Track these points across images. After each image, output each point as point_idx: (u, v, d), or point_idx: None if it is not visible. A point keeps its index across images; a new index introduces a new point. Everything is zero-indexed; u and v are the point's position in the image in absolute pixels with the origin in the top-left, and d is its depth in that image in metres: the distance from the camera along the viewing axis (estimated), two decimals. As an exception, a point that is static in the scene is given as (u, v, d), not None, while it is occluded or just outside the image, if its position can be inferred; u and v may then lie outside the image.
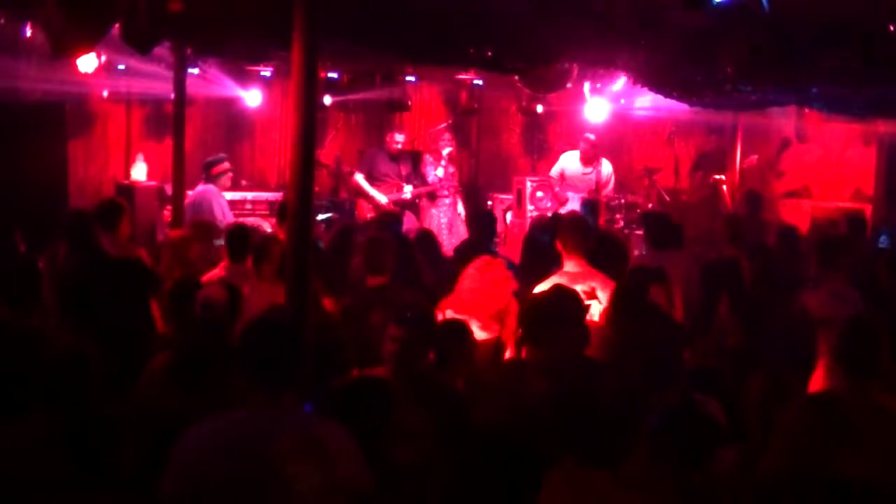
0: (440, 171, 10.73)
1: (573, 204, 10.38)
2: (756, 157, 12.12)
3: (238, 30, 7.10)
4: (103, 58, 9.18)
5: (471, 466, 2.83)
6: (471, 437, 3.34)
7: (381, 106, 12.52)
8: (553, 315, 4.14)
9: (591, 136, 10.77)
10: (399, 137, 10.96)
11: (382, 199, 10.40)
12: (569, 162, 10.86)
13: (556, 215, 8.19)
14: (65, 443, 3.14)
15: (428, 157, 11.05)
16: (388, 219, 7.69)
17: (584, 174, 10.65)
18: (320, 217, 10.38)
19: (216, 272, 6.13)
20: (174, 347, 4.24)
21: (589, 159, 10.63)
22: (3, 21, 7.96)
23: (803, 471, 3.21)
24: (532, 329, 4.15)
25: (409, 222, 10.16)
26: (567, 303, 4.36)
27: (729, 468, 3.32)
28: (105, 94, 10.84)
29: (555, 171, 10.99)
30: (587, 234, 6.00)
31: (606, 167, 10.71)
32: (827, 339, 4.62)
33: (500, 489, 2.55)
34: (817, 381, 4.27)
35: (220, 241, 7.86)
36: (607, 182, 10.60)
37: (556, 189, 10.77)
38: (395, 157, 10.80)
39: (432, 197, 10.75)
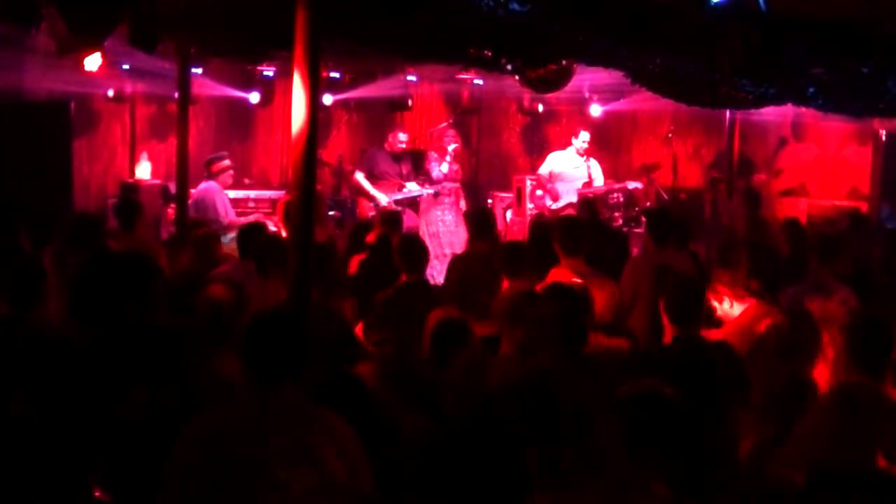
0: (444, 167, 10.65)
1: (569, 197, 10.36)
2: (764, 175, 12.10)
3: (241, 29, 7.09)
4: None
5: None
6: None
7: (383, 105, 12.51)
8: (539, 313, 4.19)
9: (586, 136, 10.74)
10: (403, 137, 10.90)
11: (383, 198, 10.34)
12: (557, 161, 10.81)
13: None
14: (42, 431, 3.12)
15: (432, 154, 10.93)
16: (389, 217, 7.67)
17: (576, 168, 10.62)
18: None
19: (223, 268, 6.14)
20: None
21: (584, 153, 10.62)
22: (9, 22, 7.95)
23: (817, 465, 3.18)
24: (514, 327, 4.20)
25: (409, 220, 10.13)
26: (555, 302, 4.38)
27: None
28: (110, 93, 10.81)
29: (543, 170, 10.93)
30: (584, 233, 6.00)
31: (595, 166, 10.69)
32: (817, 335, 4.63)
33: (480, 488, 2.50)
34: (821, 377, 4.25)
35: (225, 238, 7.88)
36: (594, 179, 10.57)
37: (549, 186, 10.72)
38: (397, 157, 10.75)
39: (436, 195, 10.65)
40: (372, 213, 10.05)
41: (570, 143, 11.00)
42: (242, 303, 4.49)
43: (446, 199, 10.56)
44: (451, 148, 10.70)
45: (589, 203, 8.32)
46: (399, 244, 6.09)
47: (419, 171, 10.87)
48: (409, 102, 12.42)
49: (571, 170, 10.65)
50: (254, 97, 11.74)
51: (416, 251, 5.97)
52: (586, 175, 10.53)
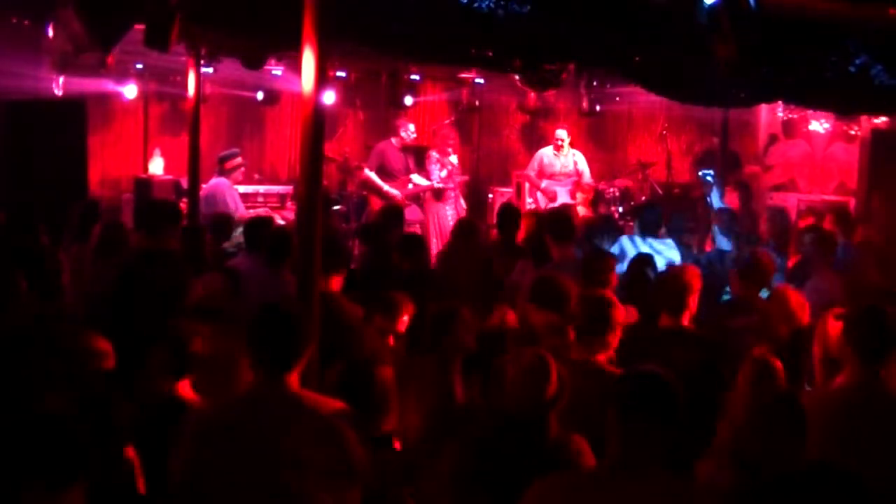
0: (444, 173, 10.47)
1: (563, 197, 10.31)
2: (759, 168, 12.04)
3: (249, 30, 7.06)
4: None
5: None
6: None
7: (387, 103, 12.48)
8: None
9: (563, 132, 10.68)
10: (412, 129, 10.76)
11: (396, 194, 10.19)
12: (544, 157, 10.73)
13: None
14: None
15: (434, 154, 10.75)
16: (392, 211, 7.59)
17: (563, 167, 10.55)
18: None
19: (235, 261, 6.11)
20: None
21: (560, 148, 10.56)
22: (27, 22, 7.93)
23: (813, 457, 3.14)
24: None
25: (413, 215, 10.09)
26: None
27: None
28: (125, 91, 10.78)
29: (531, 168, 10.83)
30: (573, 223, 5.98)
31: (580, 158, 10.62)
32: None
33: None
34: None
35: (235, 231, 7.85)
36: (583, 172, 10.52)
37: (543, 185, 10.62)
38: (403, 151, 10.63)
39: (438, 195, 10.49)
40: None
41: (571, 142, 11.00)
42: None
43: (449, 193, 10.45)
44: (453, 159, 10.53)
45: (598, 194, 8.25)
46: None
47: (422, 167, 10.79)
48: (412, 101, 12.37)
49: (558, 164, 10.58)
50: (260, 95, 11.72)
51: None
52: (573, 168, 10.48)
